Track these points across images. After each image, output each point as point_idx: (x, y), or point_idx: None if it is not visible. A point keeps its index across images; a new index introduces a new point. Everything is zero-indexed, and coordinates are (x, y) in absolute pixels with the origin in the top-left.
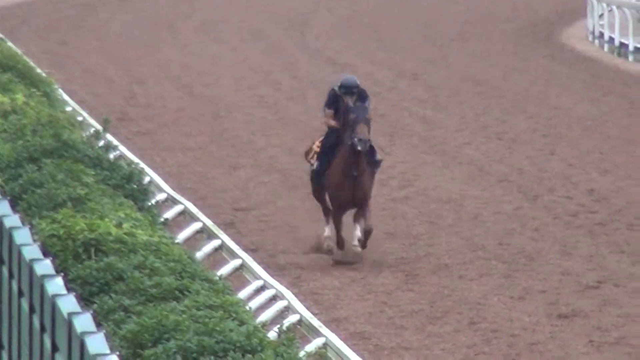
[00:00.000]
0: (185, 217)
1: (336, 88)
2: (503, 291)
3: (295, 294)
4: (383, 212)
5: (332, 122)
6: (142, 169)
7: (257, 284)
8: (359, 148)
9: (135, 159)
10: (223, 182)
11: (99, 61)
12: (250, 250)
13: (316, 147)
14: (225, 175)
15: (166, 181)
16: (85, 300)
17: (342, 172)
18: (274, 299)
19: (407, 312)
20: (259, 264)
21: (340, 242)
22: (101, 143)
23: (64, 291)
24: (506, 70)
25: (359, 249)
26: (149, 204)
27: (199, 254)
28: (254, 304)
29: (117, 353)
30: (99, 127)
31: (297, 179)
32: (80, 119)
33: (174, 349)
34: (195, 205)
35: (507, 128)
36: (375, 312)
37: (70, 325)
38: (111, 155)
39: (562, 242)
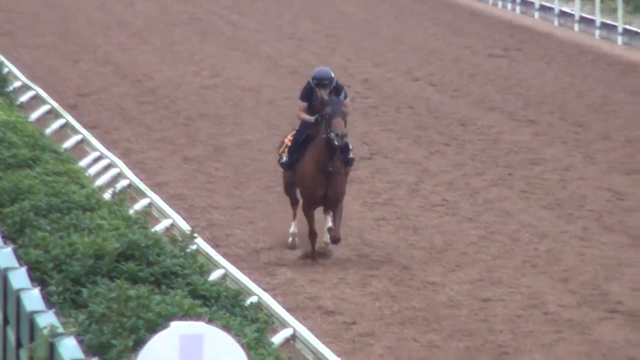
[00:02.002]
0: (37, 100)
1: (310, 81)
2: None
3: (126, 163)
4: (196, 97)
5: (305, 116)
6: (2, 61)
7: (94, 155)
8: (336, 143)
9: None
10: (68, 72)
11: None
12: (90, 128)
13: (288, 140)
14: (69, 67)
15: (22, 72)
16: None
17: (316, 166)
18: (108, 167)
19: (216, 178)
20: (96, 138)
21: (312, 234)
22: None
23: None
24: None
25: (330, 244)
26: (8, 90)
27: (48, 131)
28: (92, 171)
29: None
30: None
31: (127, 70)
32: None
33: (28, 208)
34: (45, 91)
35: (297, 29)
36: (190, 178)
37: None
38: None
39: None
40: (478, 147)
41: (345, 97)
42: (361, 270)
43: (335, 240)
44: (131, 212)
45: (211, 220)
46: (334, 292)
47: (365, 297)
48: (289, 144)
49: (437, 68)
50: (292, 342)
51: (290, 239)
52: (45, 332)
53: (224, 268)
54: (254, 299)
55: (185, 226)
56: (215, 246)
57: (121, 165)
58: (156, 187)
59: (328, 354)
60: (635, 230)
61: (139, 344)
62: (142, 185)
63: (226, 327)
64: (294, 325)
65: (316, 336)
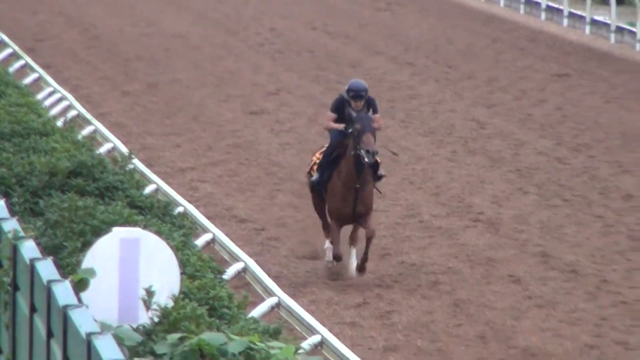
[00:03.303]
0: (1, 45)
1: (344, 94)
2: (215, 96)
3: (75, 97)
4: (134, 42)
5: (334, 125)
6: None
7: (49, 89)
8: (366, 160)
9: None
10: (27, 22)
11: None
12: (45, 68)
13: (316, 158)
14: (29, 18)
15: None
16: None
17: (344, 183)
18: (60, 100)
19: (150, 110)
20: (50, 76)
21: (337, 254)
22: None
23: None
24: None
25: (358, 275)
26: None
27: (11, 70)
28: (47, 103)
29: None
30: None
31: (77, 21)
32: None
33: None
34: (8, 37)
35: None
36: (128, 109)
37: None
38: None
39: (248, 62)
40: None
41: (376, 111)
42: (269, 185)
43: (370, 235)
44: (79, 137)
45: (145, 144)
46: (247, 203)
47: (273, 208)
48: (317, 161)
49: (332, 20)
50: (212, 244)
51: (326, 256)
52: (9, 235)
53: (156, 184)
54: (180, 209)
55: (124, 149)
56: (149, 165)
57: (71, 99)
58: (100, 117)
59: (241, 255)
60: (494, 153)
61: (86, 245)
62: (88, 115)
63: (158, 232)
64: (214, 231)
65: (232, 240)
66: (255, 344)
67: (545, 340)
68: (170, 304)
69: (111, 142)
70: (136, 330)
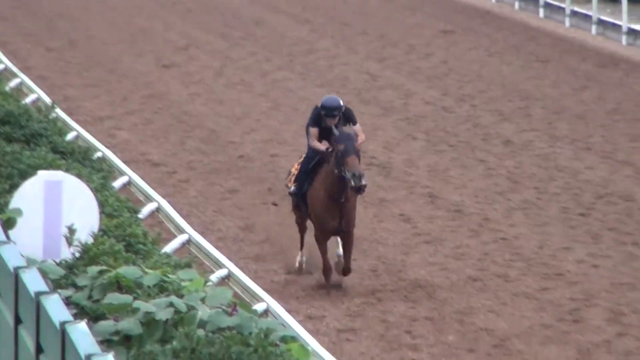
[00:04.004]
0: None
1: (319, 105)
2: (129, 52)
3: (2, 52)
4: (57, 3)
5: (317, 144)
6: None
7: None
8: (353, 184)
9: None
10: None
11: None
12: None
13: (294, 169)
14: None
15: None
16: None
17: (328, 196)
18: None
19: (71, 64)
20: None
21: (327, 268)
22: None
23: None
24: None
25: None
26: None
27: None
28: None
29: None
30: None
31: None
32: None
33: None
34: None
35: None
36: (51, 64)
37: None
38: None
39: (160, 20)
40: (268, 41)
41: (354, 123)
42: (180, 132)
43: (346, 272)
44: (7, 88)
45: (67, 96)
46: (159, 149)
47: (183, 153)
48: (296, 172)
49: None
50: (128, 186)
51: (297, 265)
52: None
53: (76, 131)
54: (99, 154)
55: (47, 100)
56: (70, 114)
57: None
58: (25, 70)
59: (155, 196)
60: (385, 103)
61: (13, 187)
62: (14, 69)
63: (79, 175)
64: (129, 174)
65: (146, 182)
66: (167, 276)
67: (433, 273)
68: (90, 240)
69: (36, 94)
70: (59, 264)
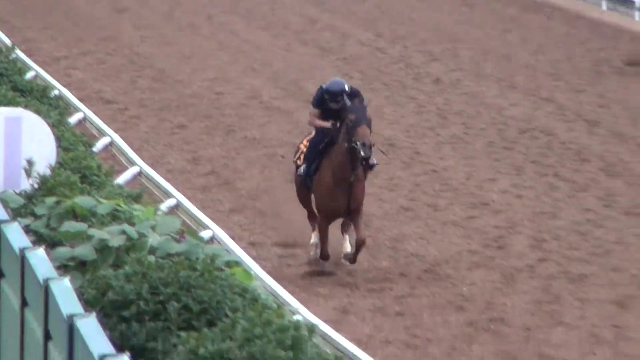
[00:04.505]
0: None
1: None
2: None
3: None
4: None
5: (319, 122)
6: None
7: None
8: (363, 153)
9: None
10: None
11: None
12: None
13: (303, 146)
14: None
15: None
16: None
17: (335, 177)
18: None
19: (30, 8)
20: None
21: (324, 254)
22: None
23: None
24: None
25: (349, 264)
26: None
27: None
28: None
29: None
30: None
31: None
32: None
33: None
34: None
35: None
36: (10, 7)
37: None
38: None
39: None
40: None
41: (366, 102)
42: (131, 72)
43: (360, 243)
44: None
45: (26, 38)
46: (112, 87)
47: (135, 91)
48: (305, 149)
49: None
50: (83, 122)
51: (313, 251)
52: None
53: (35, 71)
54: (56, 92)
55: (7, 41)
56: (29, 55)
57: None
58: None
59: (108, 130)
60: (324, 43)
61: None
62: None
63: (37, 111)
64: (84, 110)
65: (100, 118)
66: (120, 206)
67: (368, 203)
68: (48, 172)
69: None
70: (19, 194)
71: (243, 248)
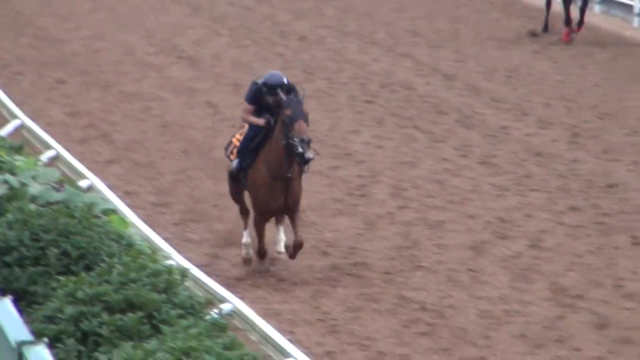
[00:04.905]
0: None
1: (259, 82)
2: None
3: None
4: None
5: (254, 119)
6: None
7: None
8: (301, 150)
9: None
10: None
11: None
12: None
13: (236, 140)
14: None
15: None
16: None
17: (271, 173)
18: None
19: None
20: None
21: (261, 252)
22: None
23: None
24: None
25: (285, 257)
26: None
27: None
28: None
29: None
30: None
31: None
32: None
33: None
34: None
35: None
36: None
37: None
38: None
39: None
40: None
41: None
42: (12, 30)
43: (297, 247)
44: None
45: None
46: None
47: (17, 48)
48: (238, 144)
49: None
50: None
51: (244, 250)
52: None
53: None
54: None
55: None
56: None
57: None
58: None
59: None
60: (195, 3)
61: None
62: None
63: None
64: None
65: None
66: (2, 157)
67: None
68: None
69: None
70: None
71: (119, 197)
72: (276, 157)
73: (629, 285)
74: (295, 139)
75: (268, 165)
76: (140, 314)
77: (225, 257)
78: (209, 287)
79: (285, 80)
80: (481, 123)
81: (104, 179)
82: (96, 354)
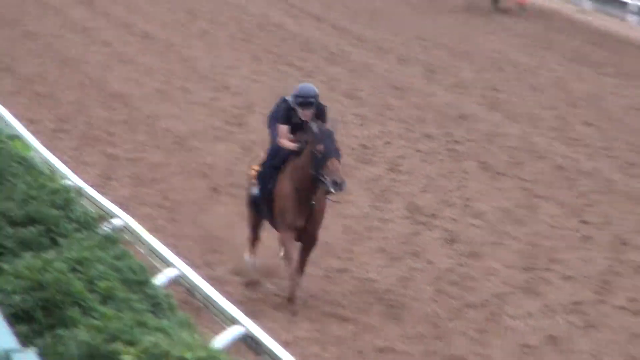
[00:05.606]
0: None
1: (288, 98)
2: None
3: None
4: None
5: (289, 144)
6: None
7: None
8: (332, 191)
9: None
10: None
11: None
12: None
13: (254, 171)
14: None
15: None
16: None
17: (299, 193)
18: None
19: None
20: None
21: (293, 268)
22: None
23: None
24: None
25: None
26: None
27: None
28: None
29: None
30: None
31: None
32: None
33: None
34: None
35: None
36: None
37: None
38: None
39: None
40: None
41: (325, 120)
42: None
43: (300, 272)
44: None
45: None
46: None
47: None
48: (256, 174)
49: None
50: None
51: (250, 266)
52: None
53: None
54: None
55: None
56: None
57: None
58: None
59: None
60: None
61: None
62: None
63: None
64: None
65: None
66: None
67: (128, 86)
68: None
69: None
70: None
71: (22, 124)
72: (302, 179)
73: (476, 205)
74: (327, 178)
75: (293, 181)
76: (40, 227)
77: (116, 179)
78: (102, 205)
79: (317, 92)
80: (346, 60)
81: (9, 108)
82: (0, 264)
